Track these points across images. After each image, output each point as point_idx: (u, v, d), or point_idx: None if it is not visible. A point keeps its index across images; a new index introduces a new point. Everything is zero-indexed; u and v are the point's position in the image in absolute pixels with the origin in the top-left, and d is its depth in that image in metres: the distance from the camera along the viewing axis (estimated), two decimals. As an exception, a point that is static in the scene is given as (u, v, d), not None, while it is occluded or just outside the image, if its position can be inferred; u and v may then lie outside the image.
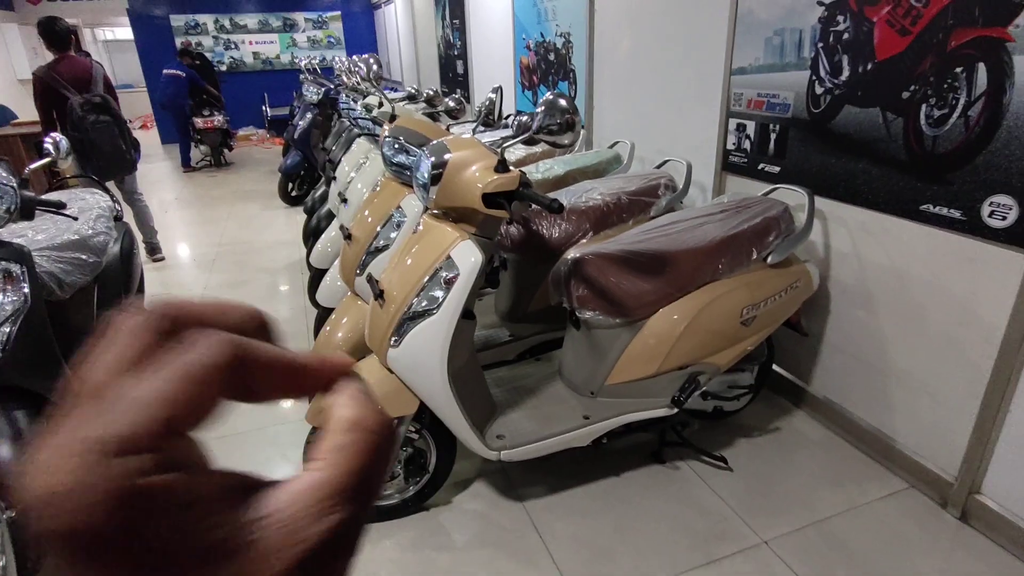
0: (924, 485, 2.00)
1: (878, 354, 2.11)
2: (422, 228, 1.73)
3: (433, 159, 1.59)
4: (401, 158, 2.11)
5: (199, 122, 7.90)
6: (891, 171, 1.92)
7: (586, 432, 1.90)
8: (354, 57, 4.21)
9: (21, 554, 1.44)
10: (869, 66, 1.93)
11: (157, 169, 8.40)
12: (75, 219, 2.17)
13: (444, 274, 1.59)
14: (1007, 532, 1.78)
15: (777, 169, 2.36)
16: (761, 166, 2.43)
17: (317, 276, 2.98)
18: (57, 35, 3.79)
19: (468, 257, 1.59)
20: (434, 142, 1.67)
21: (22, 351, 1.73)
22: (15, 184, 1.74)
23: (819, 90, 2.12)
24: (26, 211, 1.88)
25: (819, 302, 2.29)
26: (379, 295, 1.68)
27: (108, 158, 3.84)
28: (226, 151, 8.67)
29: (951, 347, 1.87)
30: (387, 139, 2.16)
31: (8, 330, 1.69)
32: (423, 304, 1.61)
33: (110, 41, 14.95)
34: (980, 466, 1.84)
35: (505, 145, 1.61)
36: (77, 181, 4.66)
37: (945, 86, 1.72)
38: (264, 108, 9.56)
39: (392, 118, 2.51)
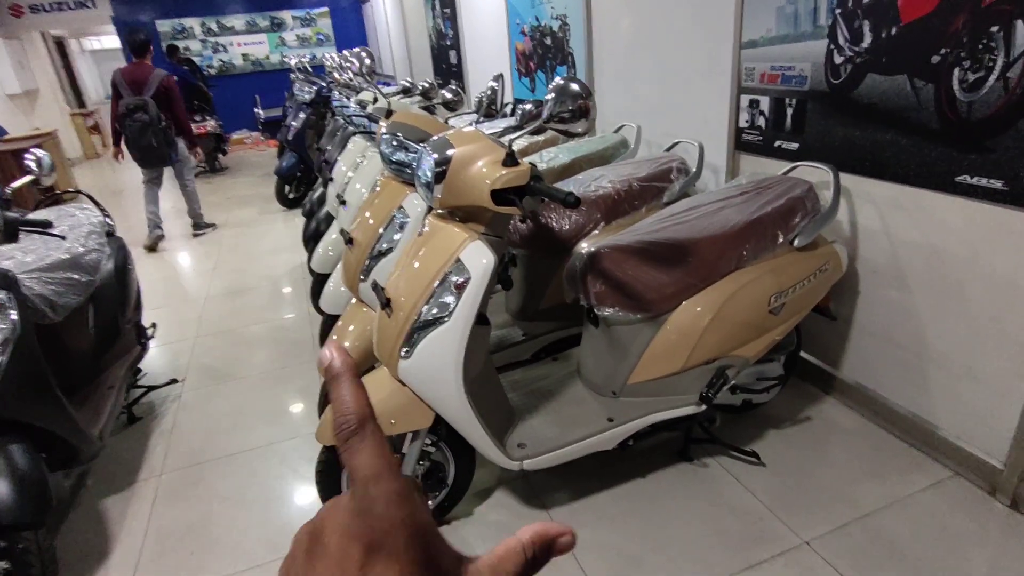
0: (970, 472, 1.90)
1: (913, 336, 2.00)
2: (428, 230, 1.62)
3: (436, 156, 1.48)
4: (400, 156, 2.00)
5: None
6: (922, 141, 1.80)
7: (611, 435, 1.80)
8: (345, 52, 4.09)
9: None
10: (893, 30, 1.80)
11: (152, 178, 8.28)
12: (63, 238, 2.07)
13: (454, 278, 1.49)
14: (1062, 518, 1.69)
15: (795, 146, 2.24)
16: (778, 143, 2.31)
17: (319, 281, 2.88)
18: (130, 44, 4.71)
19: (479, 259, 1.48)
20: (435, 137, 1.55)
21: (13, 382, 1.64)
22: (-6, 206, 1.64)
23: (839, 59, 1.99)
24: (9, 232, 1.78)
25: (847, 284, 2.17)
26: (386, 304, 1.58)
27: (142, 151, 4.72)
28: (220, 156, 8.56)
29: (994, 326, 1.76)
30: (384, 136, 2.05)
31: (-3, 361, 1.59)
32: (434, 312, 1.50)
33: (97, 51, 14.81)
34: (1031, 450, 1.73)
35: (513, 137, 1.49)
36: (71, 196, 4.58)
37: (980, 47, 1.59)
38: (256, 110, 9.41)
39: (388, 113, 2.39)
